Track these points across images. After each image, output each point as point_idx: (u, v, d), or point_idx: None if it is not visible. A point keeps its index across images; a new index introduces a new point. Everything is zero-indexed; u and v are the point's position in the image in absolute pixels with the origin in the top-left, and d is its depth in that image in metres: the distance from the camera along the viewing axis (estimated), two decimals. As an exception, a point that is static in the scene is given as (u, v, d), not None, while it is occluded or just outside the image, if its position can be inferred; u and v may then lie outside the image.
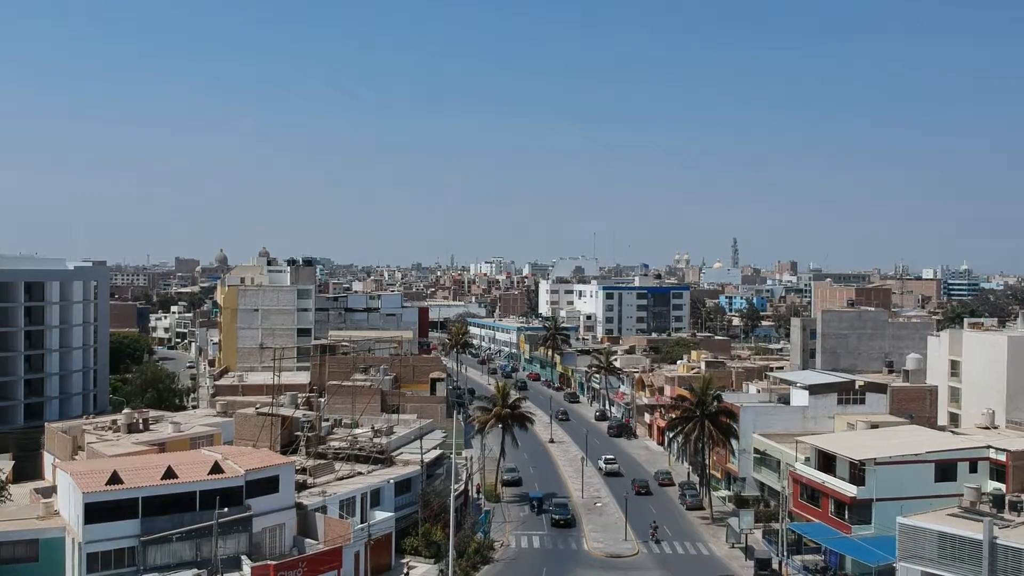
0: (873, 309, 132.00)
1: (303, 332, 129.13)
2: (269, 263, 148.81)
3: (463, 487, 77.56)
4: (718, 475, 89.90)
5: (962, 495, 65.86)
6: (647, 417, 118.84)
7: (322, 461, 71.36)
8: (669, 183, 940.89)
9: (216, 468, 57.93)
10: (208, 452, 63.00)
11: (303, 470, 67.82)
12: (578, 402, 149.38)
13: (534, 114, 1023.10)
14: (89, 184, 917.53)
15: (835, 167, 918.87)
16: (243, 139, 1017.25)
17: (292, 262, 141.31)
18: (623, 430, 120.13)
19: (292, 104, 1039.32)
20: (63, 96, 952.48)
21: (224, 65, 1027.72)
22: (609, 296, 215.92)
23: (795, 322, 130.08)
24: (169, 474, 56.63)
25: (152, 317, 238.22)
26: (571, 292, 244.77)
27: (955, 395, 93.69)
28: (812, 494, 71.40)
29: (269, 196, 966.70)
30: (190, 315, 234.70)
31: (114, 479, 55.05)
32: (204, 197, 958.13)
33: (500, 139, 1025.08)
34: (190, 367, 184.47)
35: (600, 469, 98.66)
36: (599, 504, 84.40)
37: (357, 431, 79.15)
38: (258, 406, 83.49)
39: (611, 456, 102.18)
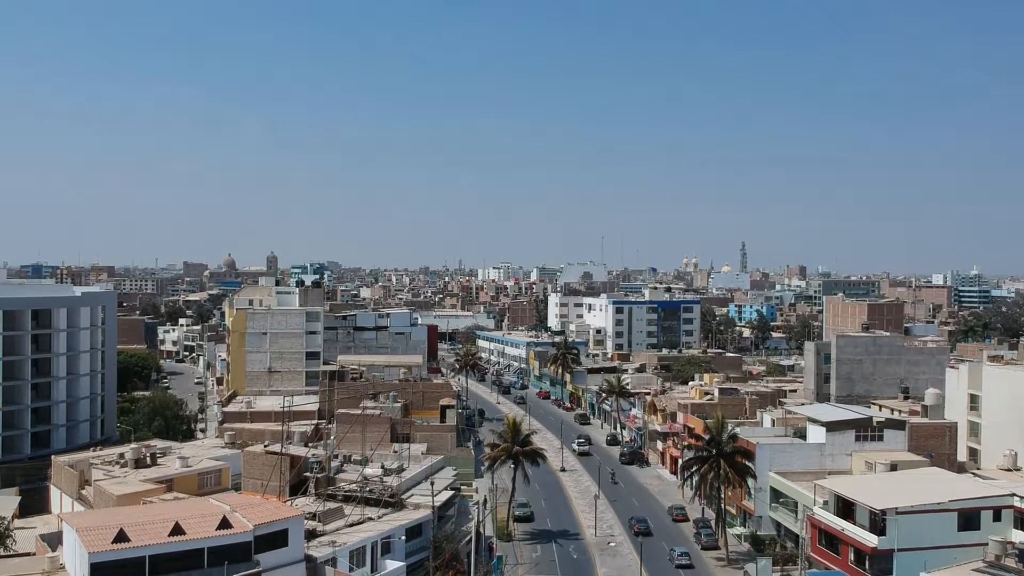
0: (888, 334, 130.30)
1: (312, 355, 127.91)
2: (278, 282, 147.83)
3: (475, 528, 76.19)
4: (733, 511, 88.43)
5: (986, 544, 64.46)
6: (659, 444, 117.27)
7: (332, 505, 70.18)
8: (677, 186, 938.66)
9: (224, 523, 56.77)
10: (216, 503, 61.72)
11: (313, 516, 66.69)
12: (589, 424, 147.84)
13: (541, 116, 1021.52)
14: (97, 187, 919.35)
15: (843, 169, 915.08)
16: (249, 141, 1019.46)
17: (300, 283, 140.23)
18: (635, 457, 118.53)
19: (298, 105, 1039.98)
20: (69, 98, 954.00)
21: (229, 66, 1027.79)
22: (619, 311, 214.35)
23: (808, 346, 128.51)
24: (177, 530, 55.41)
25: (160, 330, 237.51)
26: (580, 305, 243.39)
27: (974, 429, 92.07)
28: (831, 540, 69.92)
29: (276, 198, 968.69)
30: (198, 328, 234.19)
31: (121, 537, 53.90)
32: (212, 199, 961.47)
33: (507, 142, 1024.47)
34: (198, 382, 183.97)
35: (574, 451, 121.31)
36: (612, 544, 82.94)
37: (367, 471, 77.78)
38: (267, 443, 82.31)
39: (583, 439, 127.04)
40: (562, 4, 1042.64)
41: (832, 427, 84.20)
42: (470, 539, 73.53)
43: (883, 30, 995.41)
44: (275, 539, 57.77)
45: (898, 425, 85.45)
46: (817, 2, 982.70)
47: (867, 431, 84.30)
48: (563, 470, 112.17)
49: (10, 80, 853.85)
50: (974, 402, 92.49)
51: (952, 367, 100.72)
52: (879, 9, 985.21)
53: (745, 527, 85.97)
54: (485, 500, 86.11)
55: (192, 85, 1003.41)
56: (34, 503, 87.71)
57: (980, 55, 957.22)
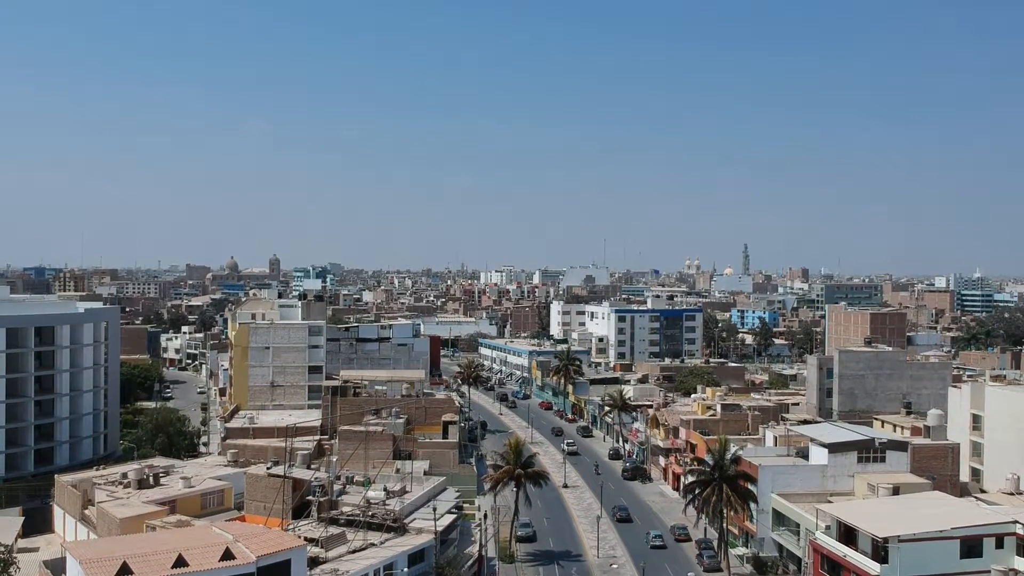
0: (891, 349, 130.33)
1: (314, 370, 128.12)
2: (280, 294, 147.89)
3: (477, 551, 76.24)
4: (736, 531, 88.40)
5: (988, 572, 64.68)
6: (662, 460, 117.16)
7: (335, 530, 70.29)
8: (679, 187, 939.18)
9: (227, 554, 56.88)
10: (219, 532, 61.88)
11: (315, 542, 66.76)
12: (591, 436, 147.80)
13: (543, 118, 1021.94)
14: (99, 189, 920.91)
15: (845, 170, 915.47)
16: (252, 142, 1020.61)
17: (302, 296, 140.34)
18: (637, 473, 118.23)
19: (300, 107, 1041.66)
20: (71, 99, 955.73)
21: (231, 67, 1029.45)
22: (621, 319, 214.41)
23: (811, 360, 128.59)
24: (180, 562, 55.61)
25: (163, 338, 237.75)
26: (583, 313, 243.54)
27: (977, 449, 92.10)
28: (833, 566, 69.92)
29: (278, 200, 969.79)
30: (201, 335, 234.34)
31: (124, 570, 54.05)
32: (214, 201, 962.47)
33: (508, 143, 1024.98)
34: (201, 392, 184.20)
35: (563, 450, 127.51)
36: (615, 566, 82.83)
37: (370, 493, 77.84)
38: (269, 465, 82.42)
39: (571, 440, 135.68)
40: (563, 5, 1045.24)
41: (834, 448, 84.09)
42: (472, 562, 73.65)
43: (885, 32, 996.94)
44: (278, 570, 57.76)
45: (900, 446, 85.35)
46: (818, 3, 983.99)
47: (869, 452, 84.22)
48: (566, 486, 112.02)
49: (11, 81, 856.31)
50: (976, 422, 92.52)
51: (955, 386, 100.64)
52: (880, 11, 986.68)
53: (747, 546, 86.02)
54: (486, 516, 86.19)
55: (194, 86, 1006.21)
56: (37, 521, 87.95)
57: (982, 57, 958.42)
